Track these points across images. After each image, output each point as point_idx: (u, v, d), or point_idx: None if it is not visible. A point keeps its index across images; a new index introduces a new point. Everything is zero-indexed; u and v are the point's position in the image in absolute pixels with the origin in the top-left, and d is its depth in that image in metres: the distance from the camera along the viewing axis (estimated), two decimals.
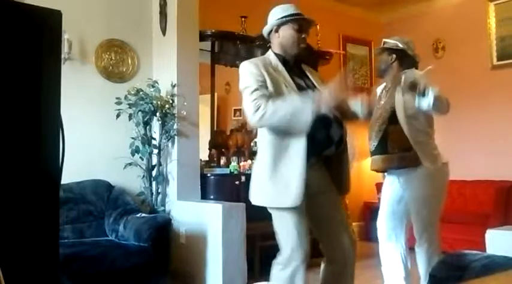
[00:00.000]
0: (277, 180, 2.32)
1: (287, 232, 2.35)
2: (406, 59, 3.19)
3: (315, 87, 2.48)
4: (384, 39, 3.29)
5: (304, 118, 2.21)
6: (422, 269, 3.10)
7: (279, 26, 2.48)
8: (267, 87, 2.34)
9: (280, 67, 2.46)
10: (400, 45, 3.18)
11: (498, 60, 5.56)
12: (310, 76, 2.56)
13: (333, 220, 2.51)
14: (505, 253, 1.95)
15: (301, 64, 2.62)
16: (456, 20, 5.87)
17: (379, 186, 5.86)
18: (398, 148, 3.04)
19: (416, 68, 3.22)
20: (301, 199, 2.28)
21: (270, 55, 2.52)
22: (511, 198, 4.96)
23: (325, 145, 2.38)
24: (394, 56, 3.19)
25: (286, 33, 2.48)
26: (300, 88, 2.40)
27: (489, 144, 5.47)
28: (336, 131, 2.38)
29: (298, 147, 2.29)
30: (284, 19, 2.47)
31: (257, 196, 2.44)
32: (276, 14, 2.50)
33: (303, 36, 2.48)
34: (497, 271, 1.53)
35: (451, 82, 5.76)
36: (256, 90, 2.31)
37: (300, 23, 2.48)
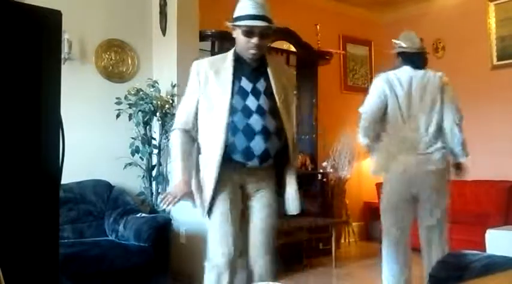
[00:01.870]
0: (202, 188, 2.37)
1: (209, 234, 2.37)
2: (411, 57, 3.21)
3: (266, 92, 2.33)
4: (392, 40, 3.32)
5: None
6: None
7: (233, 27, 2.33)
8: (197, 96, 2.37)
9: (229, 68, 2.33)
10: (404, 45, 3.22)
11: (498, 60, 5.55)
12: (270, 80, 2.36)
13: (253, 227, 2.42)
14: (505, 253, 1.96)
15: (269, 64, 2.42)
16: (456, 20, 5.86)
17: (378, 186, 5.87)
18: None
19: (425, 62, 3.24)
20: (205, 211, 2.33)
21: (230, 52, 2.40)
22: (511, 198, 4.95)
23: (245, 157, 2.29)
24: (400, 58, 3.24)
25: (237, 37, 2.33)
26: (241, 92, 2.30)
27: (489, 144, 5.46)
28: (258, 144, 2.26)
29: (214, 158, 2.29)
30: (235, 23, 2.30)
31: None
32: (235, 11, 2.33)
33: (252, 41, 2.27)
34: (497, 271, 1.53)
35: (451, 82, 5.77)
36: (182, 108, 2.43)
37: (248, 27, 2.26)
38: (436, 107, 3.11)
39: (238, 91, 2.31)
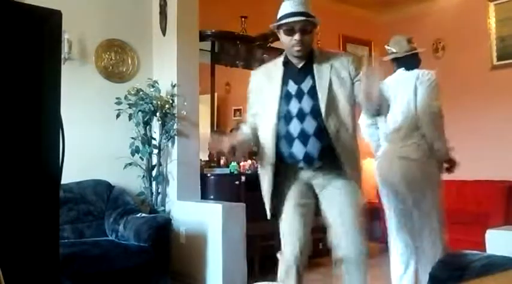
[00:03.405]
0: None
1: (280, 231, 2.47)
2: (402, 60, 3.25)
3: (310, 92, 2.32)
4: (386, 47, 3.35)
5: None
6: None
7: (277, 30, 2.38)
8: (256, 107, 2.49)
9: (279, 73, 2.39)
10: (393, 50, 3.26)
11: (498, 60, 5.55)
12: (315, 78, 2.34)
13: (335, 214, 2.51)
14: (505, 253, 1.95)
15: (316, 60, 2.39)
16: (456, 20, 5.86)
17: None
18: None
19: (417, 62, 3.26)
20: (269, 213, 2.45)
21: (281, 56, 2.45)
22: (511, 198, 4.95)
23: (293, 161, 2.35)
24: (395, 63, 3.30)
25: (281, 37, 2.38)
26: (287, 96, 2.34)
27: (489, 144, 5.47)
28: (297, 149, 2.31)
29: (267, 165, 2.40)
30: (276, 24, 2.35)
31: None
32: (278, 13, 2.37)
33: (294, 38, 2.29)
34: (497, 271, 1.53)
35: (451, 82, 5.76)
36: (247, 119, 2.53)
37: (289, 25, 2.30)
38: (410, 105, 3.10)
39: (284, 96, 2.36)
